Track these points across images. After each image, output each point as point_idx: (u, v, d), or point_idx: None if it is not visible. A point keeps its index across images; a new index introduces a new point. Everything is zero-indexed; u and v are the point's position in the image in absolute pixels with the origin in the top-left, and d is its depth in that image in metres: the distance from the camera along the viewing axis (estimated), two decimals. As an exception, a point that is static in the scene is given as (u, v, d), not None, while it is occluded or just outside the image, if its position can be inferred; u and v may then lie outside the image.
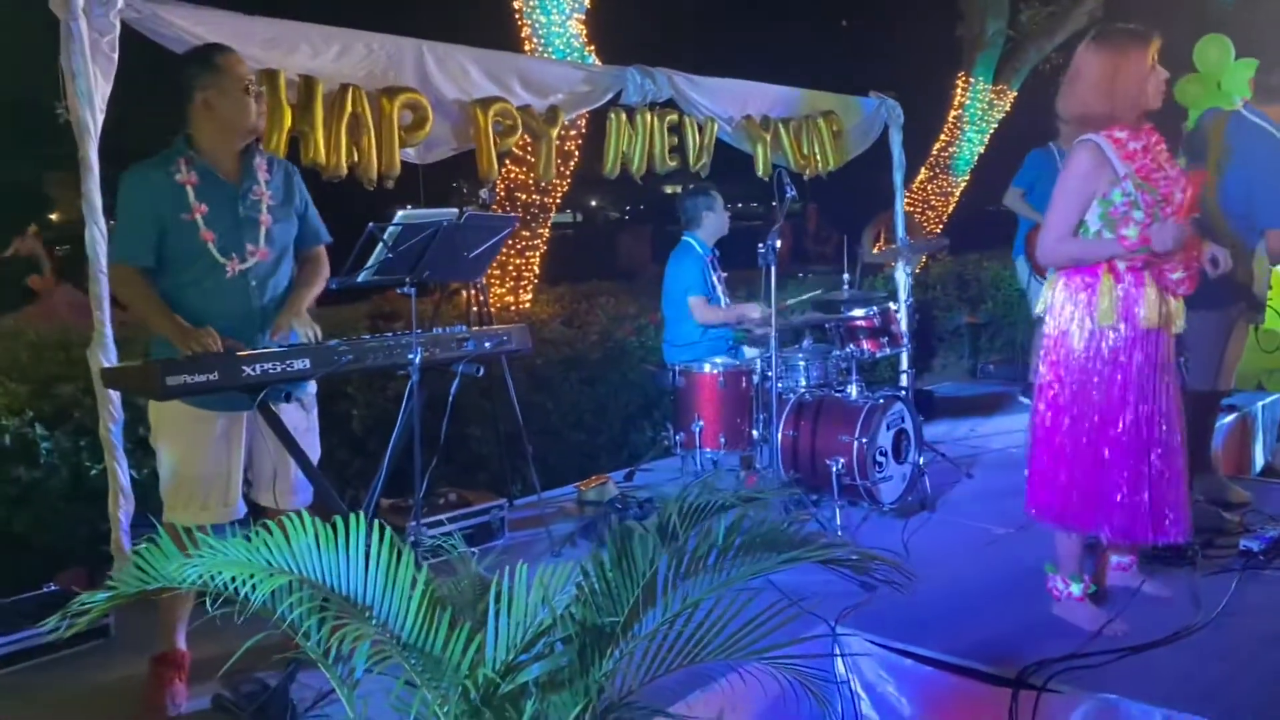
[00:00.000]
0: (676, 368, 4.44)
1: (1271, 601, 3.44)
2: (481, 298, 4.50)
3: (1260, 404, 6.54)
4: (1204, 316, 3.93)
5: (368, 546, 1.60)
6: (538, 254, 7.81)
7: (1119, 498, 3.14)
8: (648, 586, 1.67)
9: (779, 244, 4.09)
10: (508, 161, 7.40)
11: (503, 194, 7.60)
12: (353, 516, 1.62)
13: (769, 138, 5.96)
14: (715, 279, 4.89)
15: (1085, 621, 3.25)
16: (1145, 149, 3.11)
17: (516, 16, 7.12)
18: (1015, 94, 11.74)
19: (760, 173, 5.96)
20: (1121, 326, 3.09)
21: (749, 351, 4.97)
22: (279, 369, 2.54)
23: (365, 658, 1.57)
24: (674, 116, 5.47)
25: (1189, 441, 4.19)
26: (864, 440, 4.12)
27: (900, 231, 7.09)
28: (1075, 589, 3.29)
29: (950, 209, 11.85)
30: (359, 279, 2.85)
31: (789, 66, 9.61)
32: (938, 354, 9.31)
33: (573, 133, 7.27)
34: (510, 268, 7.71)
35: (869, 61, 13.00)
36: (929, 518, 4.43)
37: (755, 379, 4.31)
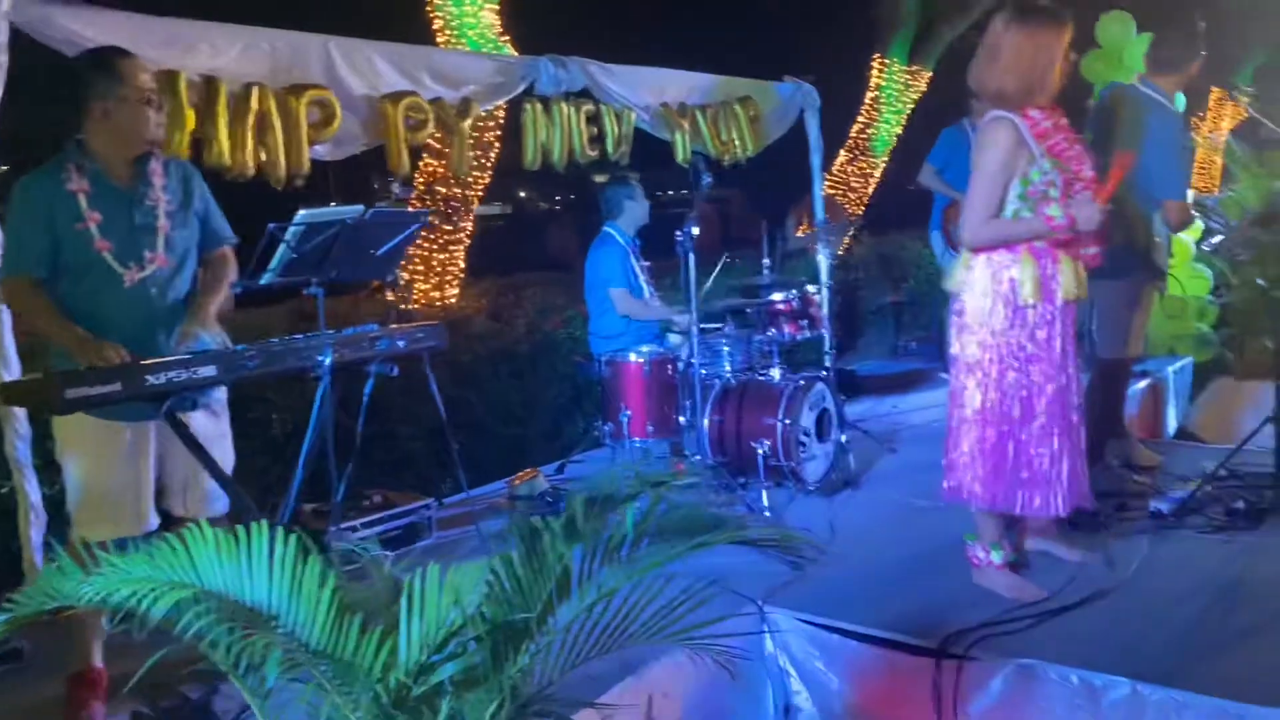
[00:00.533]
0: (602, 359, 4.44)
1: (1180, 560, 3.55)
2: (400, 295, 4.44)
3: (1171, 369, 6.75)
4: (1111, 286, 4.06)
5: (272, 554, 1.58)
6: (462, 248, 7.75)
7: (1049, 471, 3.21)
8: (560, 580, 1.67)
9: (695, 231, 4.10)
10: (426, 155, 7.33)
11: (423, 188, 7.52)
12: (255, 525, 1.59)
13: (687, 125, 5.98)
14: (638, 269, 4.90)
15: (1005, 589, 3.32)
16: (1056, 128, 3.17)
17: (429, 9, 7.05)
18: (930, 74, 11.92)
19: (680, 160, 5.97)
20: (1044, 303, 3.16)
21: (674, 339, 4.99)
22: (184, 377, 2.48)
23: (276, 666, 1.55)
24: (591, 106, 5.46)
25: (1104, 408, 4.34)
26: (787, 422, 4.17)
27: (819, 214, 7.17)
28: (995, 557, 3.36)
29: (871, 190, 12.00)
30: (262, 281, 2.79)
31: (708, 53, 9.63)
32: (864, 334, 9.44)
33: (491, 124, 7.22)
34: (434, 263, 7.63)
35: (788, 46, 13.08)
36: (854, 494, 4.50)
37: (681, 366, 4.33)
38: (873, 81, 11.75)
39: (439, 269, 7.64)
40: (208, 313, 2.81)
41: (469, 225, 7.72)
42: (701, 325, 5.03)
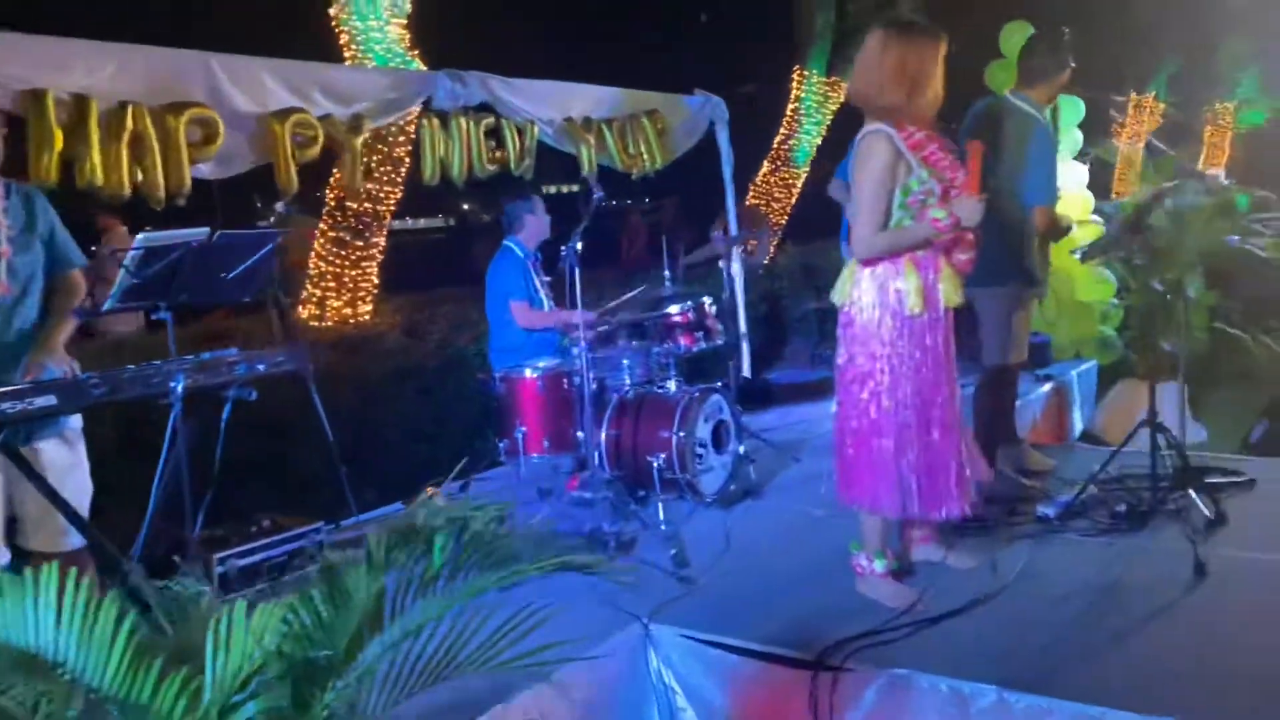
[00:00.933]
0: (497, 374, 4.40)
1: (1061, 564, 3.60)
2: (286, 314, 4.37)
3: (1075, 372, 6.88)
4: (991, 293, 4.15)
5: (61, 596, 1.52)
6: (375, 264, 7.66)
7: (942, 476, 3.27)
8: (370, 615, 1.64)
9: (579, 246, 4.10)
10: (336, 172, 7.24)
11: (333, 203, 7.43)
12: (45, 566, 1.54)
13: (592, 139, 5.97)
14: (538, 282, 4.87)
15: (888, 598, 3.34)
16: (929, 138, 3.23)
17: (334, 24, 6.97)
18: (848, 84, 12.06)
19: (585, 173, 5.97)
20: (927, 310, 3.21)
21: (577, 352, 4.97)
22: (17, 408, 2.40)
23: (74, 713, 1.50)
24: (492, 120, 5.43)
25: (992, 414, 4.41)
26: (681, 434, 4.16)
27: (733, 225, 7.21)
28: (879, 565, 3.39)
29: (793, 200, 12.11)
30: (104, 308, 2.72)
31: (629, 67, 9.66)
32: (788, 342, 9.49)
33: (402, 139, 7.16)
34: (346, 279, 7.54)
35: (710, 58, 13.17)
36: (754, 505, 4.50)
37: (578, 380, 4.31)
38: (793, 93, 11.87)
39: (351, 285, 7.55)
40: (56, 342, 2.73)
41: (381, 241, 7.63)
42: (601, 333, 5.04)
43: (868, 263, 3.26)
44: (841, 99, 12.00)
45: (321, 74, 4.71)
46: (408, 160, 7.33)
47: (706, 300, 4.64)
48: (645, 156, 6.40)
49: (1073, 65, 4.25)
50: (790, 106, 11.85)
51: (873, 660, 2.99)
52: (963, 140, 4.25)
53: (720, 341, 4.65)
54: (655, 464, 4.11)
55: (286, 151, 4.41)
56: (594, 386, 4.26)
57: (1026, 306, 4.28)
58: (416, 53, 7.24)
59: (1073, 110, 7.51)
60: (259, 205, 4.21)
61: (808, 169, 12.10)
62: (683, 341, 4.55)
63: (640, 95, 6.49)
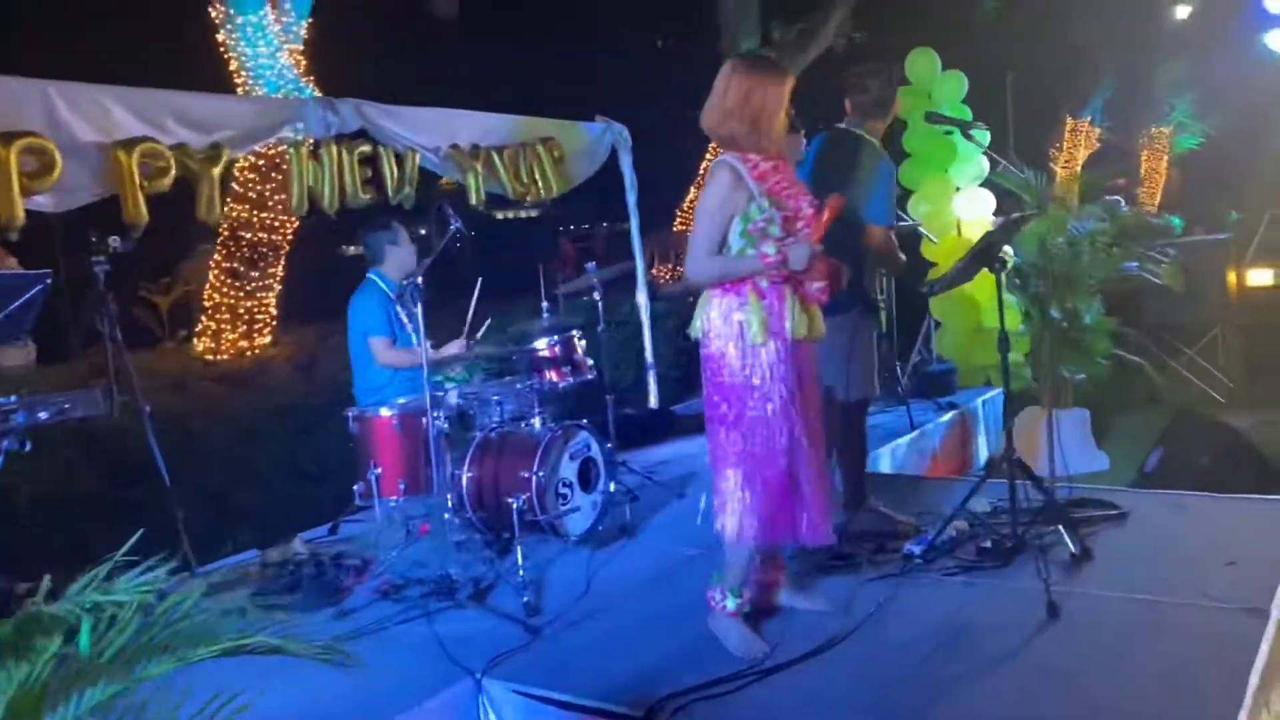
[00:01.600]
0: (350, 413, 4.22)
1: (917, 605, 3.49)
2: (119, 353, 4.16)
3: (980, 400, 6.83)
4: (834, 323, 4.01)
5: None
6: (272, 294, 7.47)
7: (798, 506, 3.19)
8: (33, 696, 1.48)
9: (420, 281, 3.97)
10: (230, 200, 7.05)
11: (226, 233, 7.23)
12: None
13: (480, 166, 5.83)
14: (404, 316, 4.70)
15: (735, 645, 3.21)
16: (776, 169, 3.21)
17: (222, 50, 6.80)
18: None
19: (473, 202, 5.84)
20: (773, 343, 3.14)
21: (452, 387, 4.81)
22: None
23: None
24: (367, 148, 5.28)
25: (848, 449, 4.31)
26: (542, 474, 4.01)
27: (637, 254, 7.10)
28: (730, 603, 3.26)
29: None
30: None
31: (544, 92, 9.57)
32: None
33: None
34: (241, 310, 7.34)
35: (631, 82, 13.12)
36: (627, 545, 4.36)
37: (440, 419, 4.14)
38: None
39: (247, 317, 7.35)
40: None
41: (279, 271, 7.44)
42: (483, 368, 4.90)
43: (716, 293, 3.22)
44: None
45: (175, 101, 4.53)
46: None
47: (575, 334, 4.51)
48: (540, 185, 6.26)
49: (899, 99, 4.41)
50: (715, 133, 11.81)
51: (705, 715, 2.86)
52: (809, 166, 4.23)
53: (589, 376, 4.50)
54: (515, 505, 3.95)
55: (134, 183, 4.22)
56: (448, 424, 4.10)
57: (866, 335, 4.20)
58: (311, 80, 7.09)
59: (979, 137, 7.50)
60: (94, 240, 4.05)
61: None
62: (550, 376, 4.41)
63: (535, 122, 6.37)
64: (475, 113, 6.03)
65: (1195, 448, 5.37)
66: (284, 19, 7.00)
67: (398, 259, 4.74)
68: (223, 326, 7.31)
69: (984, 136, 7.39)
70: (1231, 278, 7.79)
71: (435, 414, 3.92)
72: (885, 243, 4.11)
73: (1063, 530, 3.84)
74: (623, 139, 6.93)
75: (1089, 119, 22.34)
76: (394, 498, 4.12)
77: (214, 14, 6.57)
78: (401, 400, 4.30)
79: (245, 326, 7.35)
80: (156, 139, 4.34)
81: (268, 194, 7.01)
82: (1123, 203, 6.49)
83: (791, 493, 3.19)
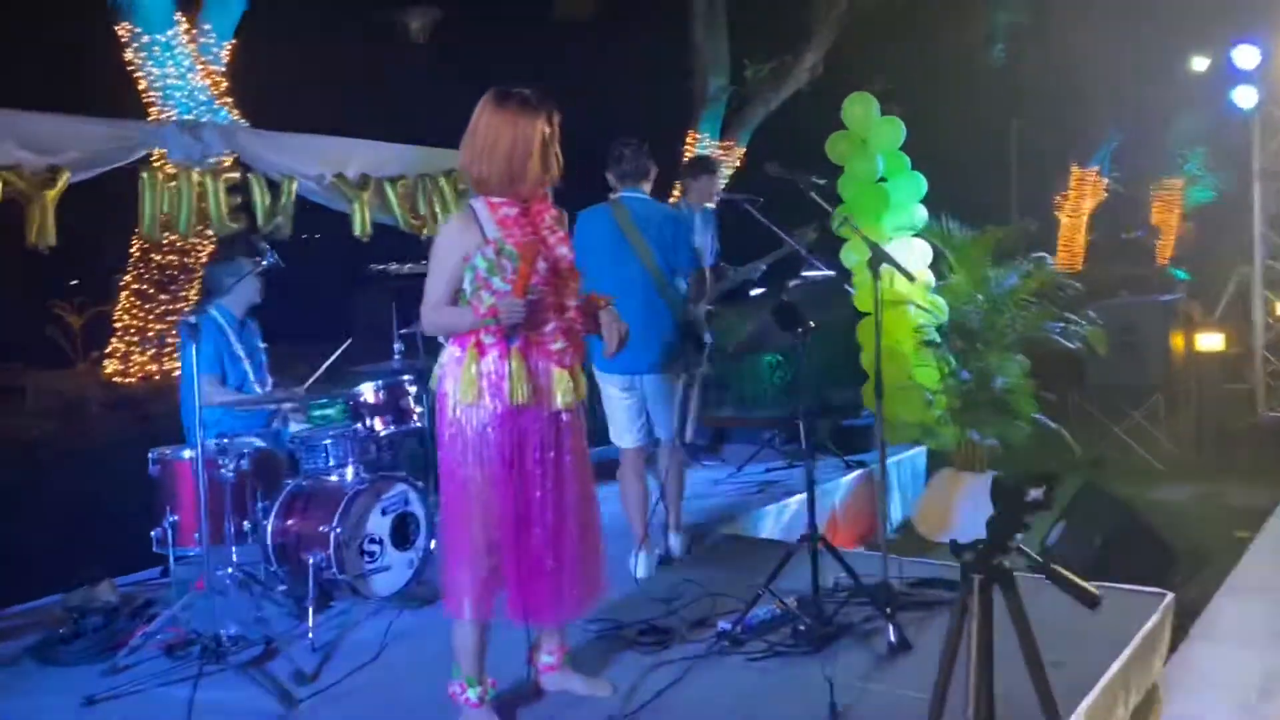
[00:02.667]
0: (152, 455, 3.99)
1: (705, 694, 3.21)
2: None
3: (894, 460, 6.52)
4: (662, 378, 4.33)
5: None
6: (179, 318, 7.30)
7: (505, 580, 2.94)
8: None
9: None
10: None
11: (136, 255, 7.10)
12: None
13: (367, 197, 5.66)
14: (241, 353, 4.50)
15: (481, 735, 2.96)
16: (525, 214, 2.95)
17: (131, 69, 6.68)
18: (744, 149, 11.86)
19: (357, 232, 5.66)
20: (490, 402, 2.89)
21: (294, 429, 4.60)
22: None
23: None
24: (236, 175, 5.12)
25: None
26: (339, 530, 3.77)
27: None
28: (472, 694, 2.99)
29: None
30: None
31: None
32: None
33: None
34: (150, 333, 7.19)
35: (604, 116, 12.94)
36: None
37: (245, 465, 3.91)
38: (687, 156, 11.64)
39: (155, 339, 7.20)
40: None
41: (190, 294, 7.29)
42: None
43: (450, 342, 2.99)
44: (737, 162, 11.82)
45: (19, 121, 4.40)
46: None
47: (407, 379, 4.28)
48: (441, 217, 6.08)
49: (653, 168, 4.52)
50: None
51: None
52: (580, 240, 4.22)
53: (415, 425, 4.26)
54: (312, 561, 3.72)
55: (-51, 202, 4.08)
56: (254, 470, 3.87)
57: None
58: (229, 103, 6.95)
59: (914, 186, 7.25)
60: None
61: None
62: (375, 424, 4.18)
63: (439, 153, 6.20)
64: (369, 142, 5.88)
65: (1091, 525, 5.05)
66: (202, 39, 6.87)
67: (240, 292, 4.54)
68: (131, 349, 7.16)
69: (920, 185, 7.18)
70: (1178, 341, 7.46)
71: (224, 460, 3.69)
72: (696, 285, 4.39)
73: (883, 618, 3.55)
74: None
75: (1097, 168, 22.02)
76: (191, 548, 3.88)
77: (121, 32, 6.45)
78: (213, 442, 4.06)
79: (154, 349, 7.19)
80: (-19, 158, 4.19)
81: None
82: (1048, 260, 6.18)
83: (514, 567, 2.91)
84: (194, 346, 3.61)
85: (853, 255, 7.35)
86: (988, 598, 2.00)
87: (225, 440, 3.91)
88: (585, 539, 3.07)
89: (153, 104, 6.70)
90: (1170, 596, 3.87)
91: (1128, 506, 5.06)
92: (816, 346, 7.20)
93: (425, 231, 6.10)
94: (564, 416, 3.01)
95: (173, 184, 4.85)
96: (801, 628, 3.55)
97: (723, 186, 11.76)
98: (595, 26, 13.50)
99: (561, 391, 2.98)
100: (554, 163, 2.98)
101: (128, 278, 7.20)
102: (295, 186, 5.32)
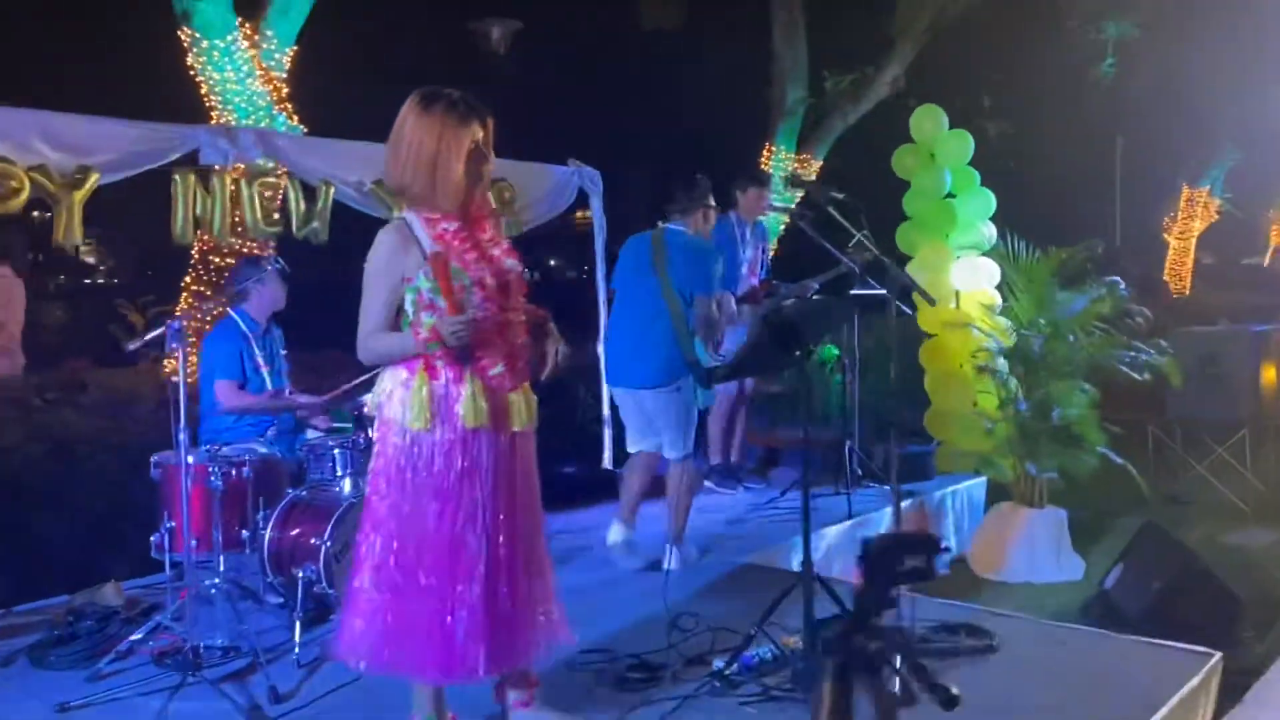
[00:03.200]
0: (154, 459, 3.96)
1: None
2: None
3: (948, 490, 6.19)
4: (658, 394, 4.47)
5: None
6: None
7: (450, 629, 2.70)
8: None
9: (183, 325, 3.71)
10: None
11: (197, 257, 7.19)
12: None
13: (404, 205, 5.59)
14: (260, 359, 4.47)
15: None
16: (466, 230, 2.76)
17: (194, 73, 6.77)
18: (821, 162, 11.56)
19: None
20: (440, 430, 2.71)
21: (311, 435, 4.55)
22: None
23: None
24: (272, 179, 5.10)
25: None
26: (329, 544, 3.68)
27: (601, 301, 6.75)
28: (429, 735, 2.84)
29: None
30: None
31: (583, 138, 9.33)
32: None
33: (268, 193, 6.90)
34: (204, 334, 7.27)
35: (678, 129, 12.81)
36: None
37: (248, 473, 3.86)
38: (763, 169, 11.42)
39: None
40: None
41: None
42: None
43: (396, 368, 2.78)
44: (813, 176, 11.52)
45: (47, 121, 4.42)
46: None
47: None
48: (484, 226, 5.99)
49: (710, 203, 4.86)
50: (758, 182, 11.38)
51: None
52: (621, 260, 4.79)
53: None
54: (302, 575, 3.63)
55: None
56: (254, 477, 3.81)
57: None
58: (288, 109, 7.00)
59: (982, 203, 6.90)
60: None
61: (776, 248, 11.58)
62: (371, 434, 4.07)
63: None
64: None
65: (1150, 569, 4.67)
66: (264, 45, 6.94)
67: (261, 298, 4.52)
68: (191, 350, 7.25)
69: (989, 203, 6.82)
70: (1269, 373, 6.93)
71: (215, 468, 3.64)
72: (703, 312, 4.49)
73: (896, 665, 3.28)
74: (593, 183, 6.63)
75: (1208, 188, 20.98)
76: (189, 554, 3.83)
77: (183, 38, 6.54)
78: (215, 448, 4.01)
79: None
80: (10, 158, 4.23)
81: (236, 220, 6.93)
82: (1120, 284, 5.78)
83: (442, 613, 2.68)
84: (183, 351, 3.56)
85: (919, 273, 7.05)
86: (846, 688, 1.69)
87: (217, 448, 3.85)
88: (536, 572, 2.88)
89: (214, 108, 6.78)
90: (1217, 657, 3.51)
91: (1191, 551, 4.67)
92: (874, 367, 6.95)
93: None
94: (518, 440, 2.84)
95: (206, 187, 4.83)
96: (800, 668, 3.32)
97: (798, 201, 11.54)
98: (676, 37, 13.39)
99: (517, 413, 2.81)
100: (484, 173, 2.76)
101: (188, 279, 7.30)
102: (332, 192, 5.26)
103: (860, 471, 6.14)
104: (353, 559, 2.82)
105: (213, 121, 6.57)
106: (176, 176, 4.78)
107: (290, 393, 4.57)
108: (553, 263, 18.15)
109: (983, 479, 6.51)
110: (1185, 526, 6.50)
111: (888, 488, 6.00)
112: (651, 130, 12.63)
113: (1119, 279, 5.86)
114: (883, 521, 5.68)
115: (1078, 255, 5.70)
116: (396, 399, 2.73)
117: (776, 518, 5.69)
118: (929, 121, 7.04)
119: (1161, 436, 6.99)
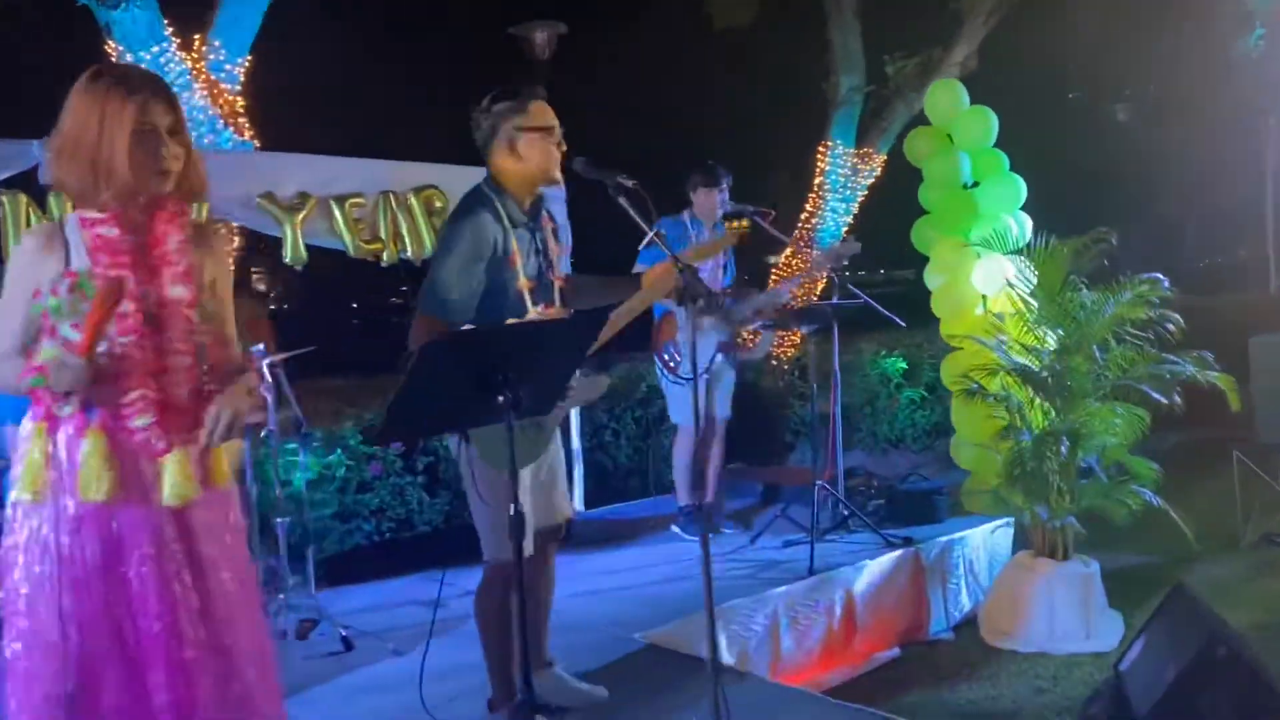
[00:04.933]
0: None
1: None
2: None
3: (947, 538, 5.07)
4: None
5: None
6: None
7: None
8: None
9: None
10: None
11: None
12: None
13: (300, 219, 4.97)
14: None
15: None
16: (131, 235, 2.16)
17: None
18: (884, 157, 10.45)
19: (287, 259, 5.00)
20: (66, 501, 2.09)
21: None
22: None
23: None
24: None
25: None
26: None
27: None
28: None
29: (821, 285, 10.56)
30: None
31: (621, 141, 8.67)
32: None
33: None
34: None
35: (740, 133, 11.94)
36: None
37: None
38: (818, 167, 10.43)
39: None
40: None
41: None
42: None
43: (26, 417, 2.18)
44: (878, 172, 10.44)
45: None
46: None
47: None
48: (407, 239, 5.34)
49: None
50: (815, 182, 10.39)
51: None
52: None
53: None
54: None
55: None
56: None
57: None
58: (242, 123, 6.52)
59: (1010, 191, 5.77)
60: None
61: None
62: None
63: (409, 167, 5.46)
64: (312, 156, 5.24)
65: (1169, 648, 3.56)
66: (212, 55, 6.48)
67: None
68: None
69: (1019, 190, 5.70)
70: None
71: None
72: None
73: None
74: (554, 190, 5.87)
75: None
76: None
77: (109, 51, 6.14)
78: None
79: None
80: None
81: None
82: (1163, 282, 4.61)
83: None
84: None
85: (936, 277, 6.00)
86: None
87: None
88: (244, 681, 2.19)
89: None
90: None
91: (1221, 624, 3.48)
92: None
93: (385, 257, 5.35)
94: (195, 516, 2.16)
95: (43, 209, 4.32)
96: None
97: (862, 200, 10.47)
98: (741, 35, 12.56)
99: (170, 483, 2.12)
100: (164, 164, 2.13)
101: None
102: (205, 209, 4.69)
103: (846, 512, 5.14)
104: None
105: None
106: (4, 199, 4.30)
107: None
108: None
109: (1009, 522, 5.38)
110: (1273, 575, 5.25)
111: (879, 533, 4.98)
112: (697, 130, 11.85)
113: (1160, 276, 4.68)
114: (860, 575, 4.67)
115: (1086, 246, 4.57)
116: (24, 453, 2.13)
117: (730, 571, 4.74)
118: (946, 96, 5.99)
119: (1248, 464, 5.68)
